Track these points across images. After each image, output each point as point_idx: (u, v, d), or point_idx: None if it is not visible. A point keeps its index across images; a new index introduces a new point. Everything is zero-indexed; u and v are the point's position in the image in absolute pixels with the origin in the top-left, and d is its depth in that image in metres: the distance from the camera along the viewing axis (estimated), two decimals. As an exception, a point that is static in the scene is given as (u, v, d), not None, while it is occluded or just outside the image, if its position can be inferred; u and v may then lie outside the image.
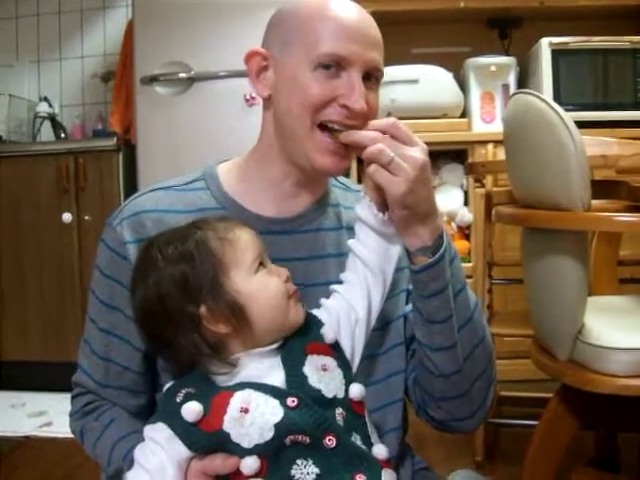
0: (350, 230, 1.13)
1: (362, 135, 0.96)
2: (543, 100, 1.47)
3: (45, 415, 2.94)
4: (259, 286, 0.93)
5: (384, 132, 0.94)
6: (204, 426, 0.86)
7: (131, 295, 0.97)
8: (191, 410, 0.86)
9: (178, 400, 0.89)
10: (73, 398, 1.15)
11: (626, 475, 1.91)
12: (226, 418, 0.86)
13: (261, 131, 1.12)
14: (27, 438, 2.69)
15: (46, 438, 2.67)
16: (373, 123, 0.97)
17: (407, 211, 0.94)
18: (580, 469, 1.76)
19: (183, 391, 0.90)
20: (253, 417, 0.85)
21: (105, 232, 1.10)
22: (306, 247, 1.13)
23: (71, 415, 1.15)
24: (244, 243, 0.94)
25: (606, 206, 2.02)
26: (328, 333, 0.96)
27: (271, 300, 0.93)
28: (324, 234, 1.15)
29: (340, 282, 1.06)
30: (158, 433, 0.88)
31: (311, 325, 0.98)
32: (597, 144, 2.25)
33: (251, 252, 0.94)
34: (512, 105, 1.62)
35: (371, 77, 1.05)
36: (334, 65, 1.02)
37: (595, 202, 1.94)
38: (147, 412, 1.12)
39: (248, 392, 0.88)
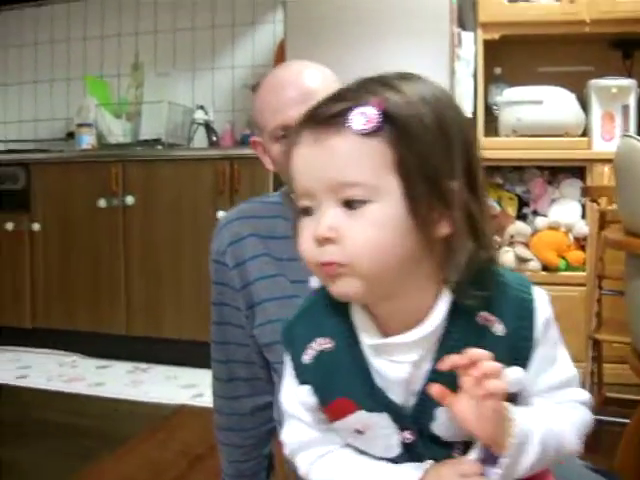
0: None
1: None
2: (643, 145, 1.71)
3: (196, 387, 3.30)
4: None
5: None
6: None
7: None
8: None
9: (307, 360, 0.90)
10: None
11: None
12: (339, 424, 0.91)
13: None
14: (183, 406, 3.06)
15: (198, 407, 3.02)
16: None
17: None
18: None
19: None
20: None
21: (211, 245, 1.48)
22: None
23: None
24: None
25: None
26: None
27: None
28: None
29: None
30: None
31: None
32: None
33: None
34: (620, 145, 1.86)
35: None
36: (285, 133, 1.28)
37: None
38: (258, 382, 1.50)
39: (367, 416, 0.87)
